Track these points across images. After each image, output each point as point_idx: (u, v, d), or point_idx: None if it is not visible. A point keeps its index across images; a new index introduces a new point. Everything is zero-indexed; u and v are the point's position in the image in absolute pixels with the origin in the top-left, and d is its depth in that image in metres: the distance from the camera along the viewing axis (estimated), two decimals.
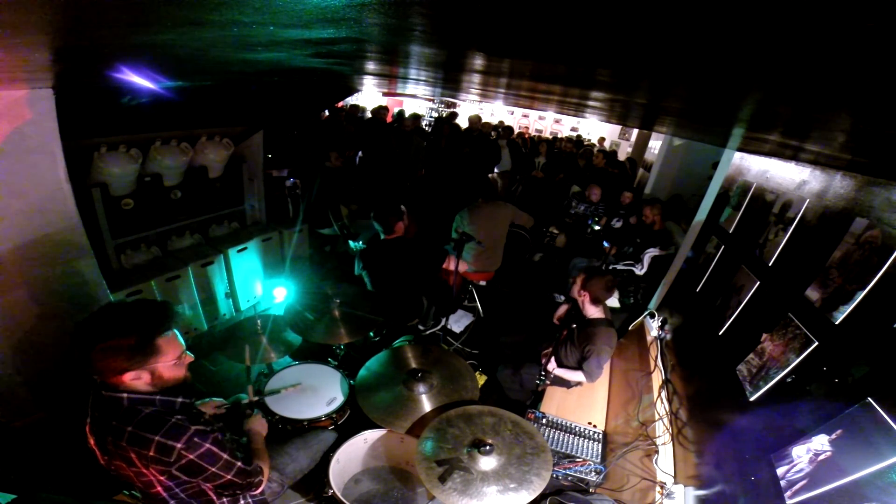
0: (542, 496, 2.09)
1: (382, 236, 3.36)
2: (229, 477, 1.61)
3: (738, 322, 2.47)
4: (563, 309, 3.48)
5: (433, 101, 12.74)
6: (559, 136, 12.28)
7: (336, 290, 3.02)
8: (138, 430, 1.46)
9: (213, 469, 1.56)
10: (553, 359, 2.95)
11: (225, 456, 1.59)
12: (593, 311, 3.03)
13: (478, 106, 12.49)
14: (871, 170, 1.76)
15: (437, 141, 7.55)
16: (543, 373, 2.88)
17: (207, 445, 1.53)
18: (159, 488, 1.55)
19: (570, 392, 3.12)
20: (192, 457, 1.50)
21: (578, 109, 3.17)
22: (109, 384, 1.50)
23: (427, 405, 2.37)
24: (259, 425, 2.03)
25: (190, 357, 1.64)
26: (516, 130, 12.04)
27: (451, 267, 3.22)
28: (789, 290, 2.09)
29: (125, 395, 1.51)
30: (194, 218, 4.03)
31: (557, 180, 7.66)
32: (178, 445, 1.47)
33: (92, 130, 3.06)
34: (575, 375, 2.96)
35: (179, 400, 1.61)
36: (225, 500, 1.73)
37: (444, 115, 11.14)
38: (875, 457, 1.31)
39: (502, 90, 2.41)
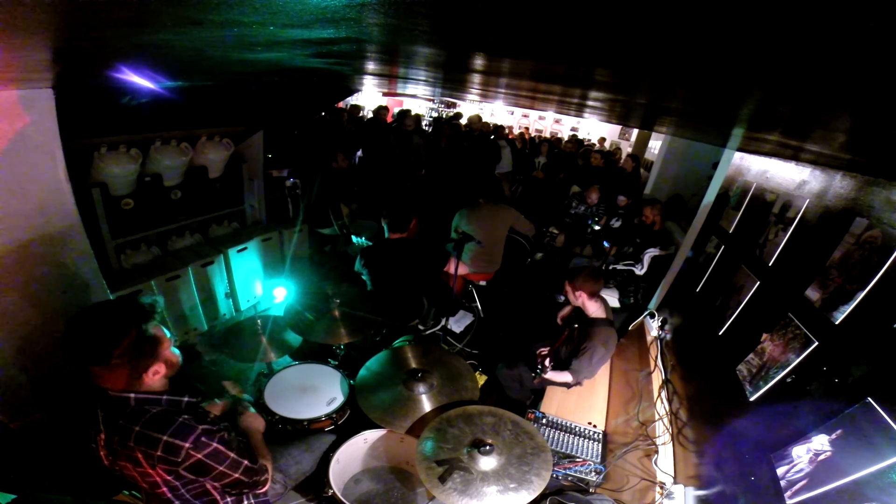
0: (542, 496, 2.09)
1: (387, 234, 3.36)
2: (237, 476, 1.62)
3: (738, 322, 2.47)
4: (567, 309, 3.48)
5: (433, 101, 12.74)
6: (559, 136, 12.27)
7: (336, 290, 3.02)
8: (145, 430, 1.47)
9: (221, 468, 1.57)
10: (549, 359, 2.94)
11: (232, 455, 1.59)
12: (594, 310, 3.03)
13: (478, 106, 12.49)
14: (871, 170, 1.76)
15: (437, 141, 7.54)
16: (540, 367, 2.87)
17: (215, 444, 1.54)
18: (164, 489, 1.55)
19: (570, 392, 3.12)
20: (199, 456, 1.50)
21: (579, 109, 3.17)
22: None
23: (427, 405, 2.37)
24: (256, 422, 2.01)
25: (173, 340, 1.67)
26: (516, 130, 12.04)
27: (452, 270, 3.21)
28: (789, 290, 2.09)
29: (132, 395, 1.51)
30: (194, 218, 4.03)
31: (557, 180, 7.66)
32: (186, 445, 1.47)
33: (92, 130, 3.06)
34: (563, 377, 2.95)
35: (185, 399, 1.62)
36: (229, 500, 1.73)
37: (444, 116, 11.13)
38: (875, 457, 1.31)
39: (502, 90, 2.41)
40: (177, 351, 1.66)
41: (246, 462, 1.65)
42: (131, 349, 1.47)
